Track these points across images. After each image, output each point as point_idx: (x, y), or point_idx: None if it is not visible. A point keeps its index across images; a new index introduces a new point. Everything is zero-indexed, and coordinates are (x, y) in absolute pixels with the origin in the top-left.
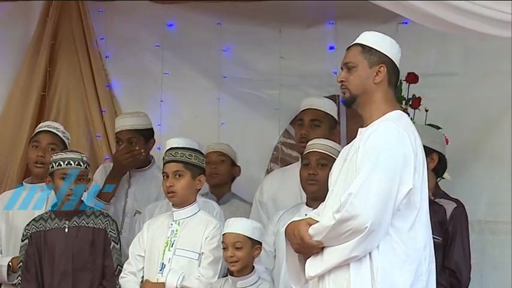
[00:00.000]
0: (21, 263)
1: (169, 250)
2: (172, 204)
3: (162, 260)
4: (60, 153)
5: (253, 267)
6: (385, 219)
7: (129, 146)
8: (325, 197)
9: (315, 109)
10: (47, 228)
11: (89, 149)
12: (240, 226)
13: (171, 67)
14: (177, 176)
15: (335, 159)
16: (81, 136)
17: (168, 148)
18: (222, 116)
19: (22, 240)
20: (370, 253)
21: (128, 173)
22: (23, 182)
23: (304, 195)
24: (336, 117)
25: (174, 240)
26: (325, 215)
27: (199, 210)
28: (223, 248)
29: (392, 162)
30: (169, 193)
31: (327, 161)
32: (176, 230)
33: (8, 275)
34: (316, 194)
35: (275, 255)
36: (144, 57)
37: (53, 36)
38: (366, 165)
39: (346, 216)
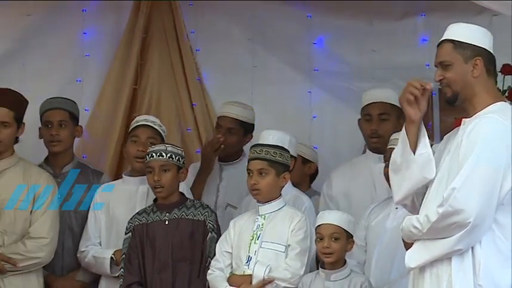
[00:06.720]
0: (124, 256)
1: (255, 243)
2: (257, 200)
3: (248, 253)
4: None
5: (345, 260)
6: (488, 214)
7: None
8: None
9: (381, 102)
10: (149, 221)
11: (180, 142)
12: (337, 218)
13: (261, 60)
14: (262, 174)
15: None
16: (172, 129)
17: (252, 145)
18: (313, 109)
19: (125, 234)
20: (472, 248)
21: (219, 167)
22: (123, 175)
23: (379, 190)
24: None
25: (260, 234)
26: (428, 208)
27: (284, 205)
28: (319, 239)
29: (496, 155)
30: (253, 190)
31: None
32: (262, 224)
33: (110, 267)
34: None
35: (365, 250)
36: (235, 50)
37: (144, 30)
38: (469, 159)
39: (449, 211)
